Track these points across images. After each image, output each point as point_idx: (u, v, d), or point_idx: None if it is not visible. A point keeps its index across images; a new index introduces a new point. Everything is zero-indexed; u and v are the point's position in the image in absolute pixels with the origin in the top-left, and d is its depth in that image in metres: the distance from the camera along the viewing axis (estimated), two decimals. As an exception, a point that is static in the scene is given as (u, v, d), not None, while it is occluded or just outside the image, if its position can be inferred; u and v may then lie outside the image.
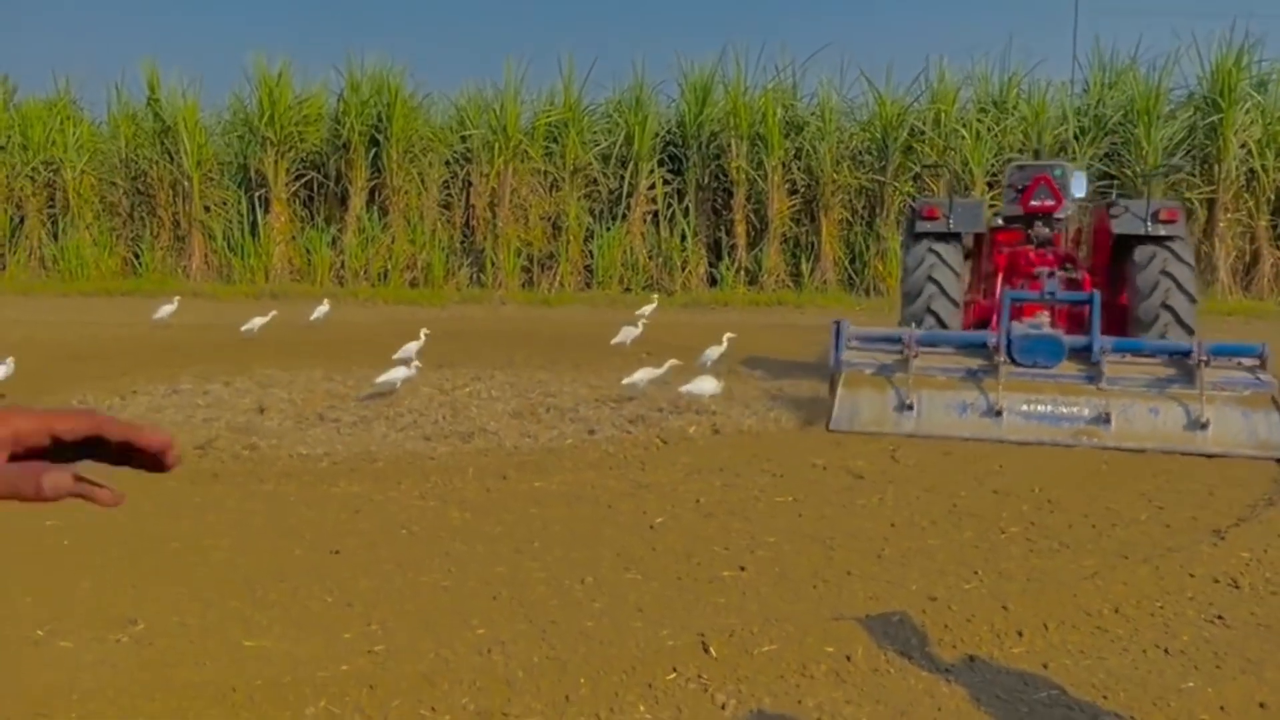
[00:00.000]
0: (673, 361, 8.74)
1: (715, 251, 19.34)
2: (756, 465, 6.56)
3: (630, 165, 19.42)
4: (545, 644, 3.84)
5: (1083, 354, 7.45)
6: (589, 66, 21.54)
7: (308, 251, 20.54)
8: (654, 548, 4.98)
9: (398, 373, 8.79)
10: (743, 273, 18.89)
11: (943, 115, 18.54)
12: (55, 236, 21.85)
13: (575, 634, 3.93)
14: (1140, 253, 8.43)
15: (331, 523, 5.37)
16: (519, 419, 8.01)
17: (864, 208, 19.11)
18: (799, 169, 19.07)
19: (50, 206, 22.00)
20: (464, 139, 20.79)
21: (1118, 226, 8.53)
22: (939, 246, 8.74)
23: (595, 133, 20.57)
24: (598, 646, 3.80)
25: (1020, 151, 18.08)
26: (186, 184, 20.93)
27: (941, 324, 8.48)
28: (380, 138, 20.06)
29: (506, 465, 6.52)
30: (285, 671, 3.52)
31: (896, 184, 18.36)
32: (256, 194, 20.78)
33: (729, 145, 19.04)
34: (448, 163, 20.99)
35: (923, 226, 8.84)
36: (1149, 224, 8.34)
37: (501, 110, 19.53)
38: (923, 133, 18.66)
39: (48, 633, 3.90)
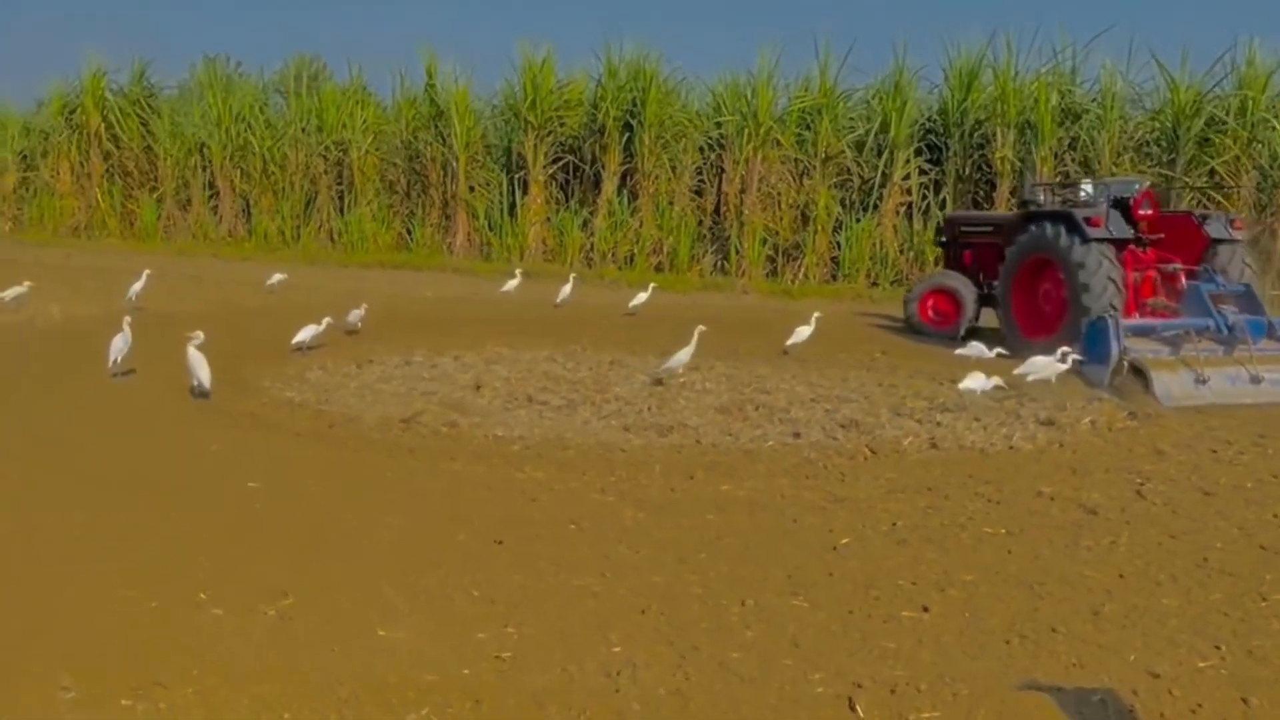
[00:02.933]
0: (997, 379, 8.19)
1: (973, 247, 18.03)
2: (971, 488, 5.87)
3: (885, 154, 18.49)
4: (680, 673, 3.50)
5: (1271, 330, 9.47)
6: (846, 50, 20.53)
7: (560, 233, 21.12)
8: (831, 573, 4.50)
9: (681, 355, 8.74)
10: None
11: (1250, 103, 16.30)
12: (341, 211, 23.70)
13: (715, 666, 3.56)
14: (1225, 251, 10.71)
15: (504, 510, 5.27)
16: (725, 415, 7.66)
17: (1149, 205, 17.16)
18: (1073, 160, 17.42)
19: (338, 184, 23.89)
20: (718, 125, 20.61)
21: (1211, 232, 10.79)
22: (1107, 250, 10.30)
23: (851, 119, 19.78)
24: (734, 684, 3.42)
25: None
26: (455, 165, 22.05)
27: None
28: (634, 123, 20.23)
29: (697, 464, 6.20)
30: (404, 669, 3.39)
31: (1188, 179, 16.36)
32: (516, 176, 21.57)
33: (994, 134, 17.68)
34: (701, 149, 20.91)
35: (1092, 233, 10.32)
36: (1229, 230, 10.83)
37: (753, 96, 19.13)
38: (1224, 123, 16.50)
39: (209, 597, 3.99)
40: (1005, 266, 11.41)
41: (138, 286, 13.06)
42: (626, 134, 20.41)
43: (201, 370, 7.75)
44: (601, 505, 5.42)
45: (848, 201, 19.18)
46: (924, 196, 18.30)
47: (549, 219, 21.37)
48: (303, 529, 4.86)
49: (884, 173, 18.46)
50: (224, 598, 3.96)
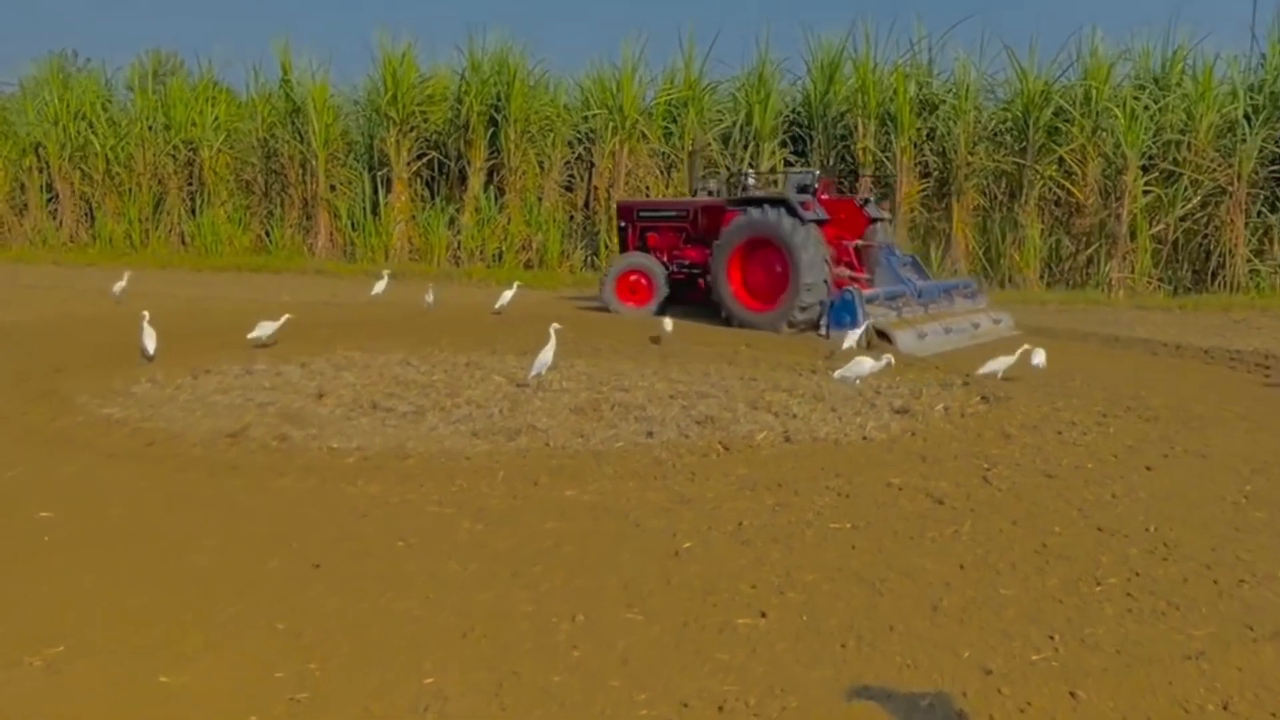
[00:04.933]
0: (889, 358, 8.45)
1: (837, 237, 18.27)
2: (822, 481, 5.77)
3: (751, 146, 18.57)
4: (495, 702, 3.24)
5: None
6: (710, 43, 20.55)
7: (426, 231, 20.57)
8: (669, 580, 4.30)
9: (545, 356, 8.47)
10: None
11: (1094, 92, 16.95)
12: (193, 213, 22.59)
13: (535, 692, 3.31)
14: (880, 228, 13.18)
15: (328, 529, 4.91)
16: (579, 415, 7.42)
17: (1003, 193, 17.71)
18: (931, 150, 17.83)
19: (189, 185, 22.77)
20: (586, 119, 20.39)
21: (871, 212, 13.14)
22: (816, 230, 12.11)
23: (718, 111, 19.82)
24: (554, 711, 3.17)
25: (1181, 132, 16.37)
26: (314, 163, 21.27)
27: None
28: (499, 118, 19.85)
29: (542, 469, 5.94)
30: (181, 720, 3.04)
31: (1038, 168, 16.91)
32: (379, 173, 20.93)
33: (856, 125, 17.94)
34: (570, 143, 20.66)
35: (807, 215, 12.00)
36: (881, 210, 13.56)
37: (618, 89, 18.97)
38: (1070, 112, 17.11)
39: (-30, 647, 3.54)
40: (720, 245, 12.63)
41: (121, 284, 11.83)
42: (491, 129, 20.03)
43: None
44: (437, 518, 5.11)
45: (716, 193, 19.19)
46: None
47: (414, 217, 20.81)
48: (94, 563, 4.41)
49: (751, 164, 18.52)
50: (-11, 648, 3.51)
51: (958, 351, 10.76)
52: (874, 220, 12.96)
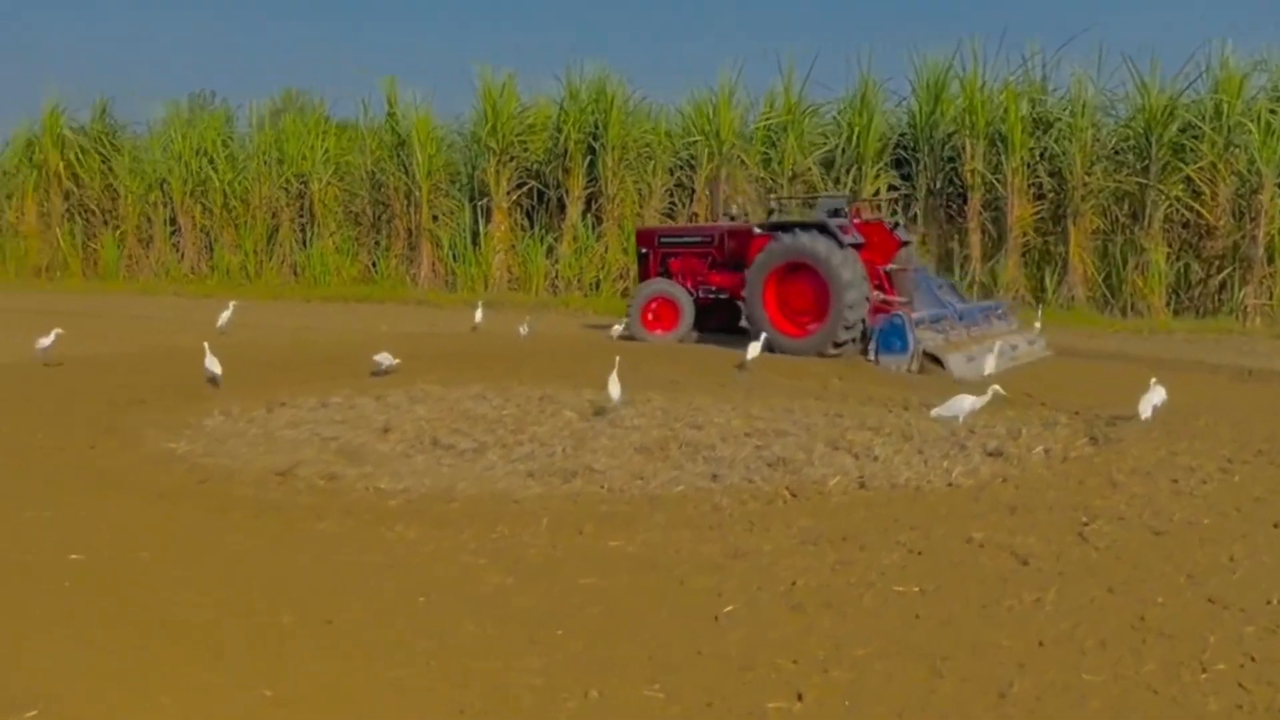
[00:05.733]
0: (994, 391, 7.65)
1: (946, 263, 17.48)
2: (893, 535, 5.23)
3: (853, 170, 17.96)
4: (473, 798, 2.87)
5: None
6: (809, 66, 19.92)
7: (525, 260, 20.59)
8: (702, 650, 3.86)
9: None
10: (976, 287, 16.93)
11: (1226, 106, 15.77)
12: (304, 244, 23.18)
13: (520, 786, 2.92)
14: (905, 251, 12.95)
15: (351, 580, 4.63)
16: (643, 454, 7.04)
17: (1125, 215, 16.63)
18: (1045, 171, 16.89)
19: (300, 217, 23.40)
20: (689, 145, 20.13)
21: (901, 236, 13.00)
22: (855, 254, 11.98)
23: (822, 134, 19.28)
24: (534, 814, 2.78)
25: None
26: (418, 194, 21.57)
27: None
28: (597, 145, 19.74)
29: (589, 516, 5.57)
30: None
31: (1162, 188, 15.81)
32: (480, 203, 21.07)
33: (964, 146, 17.15)
34: (671, 170, 20.43)
35: (846, 239, 11.89)
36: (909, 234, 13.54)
37: (714, 114, 18.64)
38: (1199, 128, 15.96)
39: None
40: (754, 270, 12.44)
41: (46, 341, 11.97)
42: (589, 157, 19.92)
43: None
44: (467, 570, 4.79)
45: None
46: (894, 211, 17.73)
47: (513, 246, 20.86)
48: (104, 613, 4.23)
49: (853, 189, 17.91)
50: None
51: (1004, 374, 10.07)
52: (904, 243, 12.80)
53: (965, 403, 7.70)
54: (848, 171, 18.09)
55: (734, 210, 14.82)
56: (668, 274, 14.02)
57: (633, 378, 10.25)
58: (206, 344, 10.09)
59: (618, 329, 13.36)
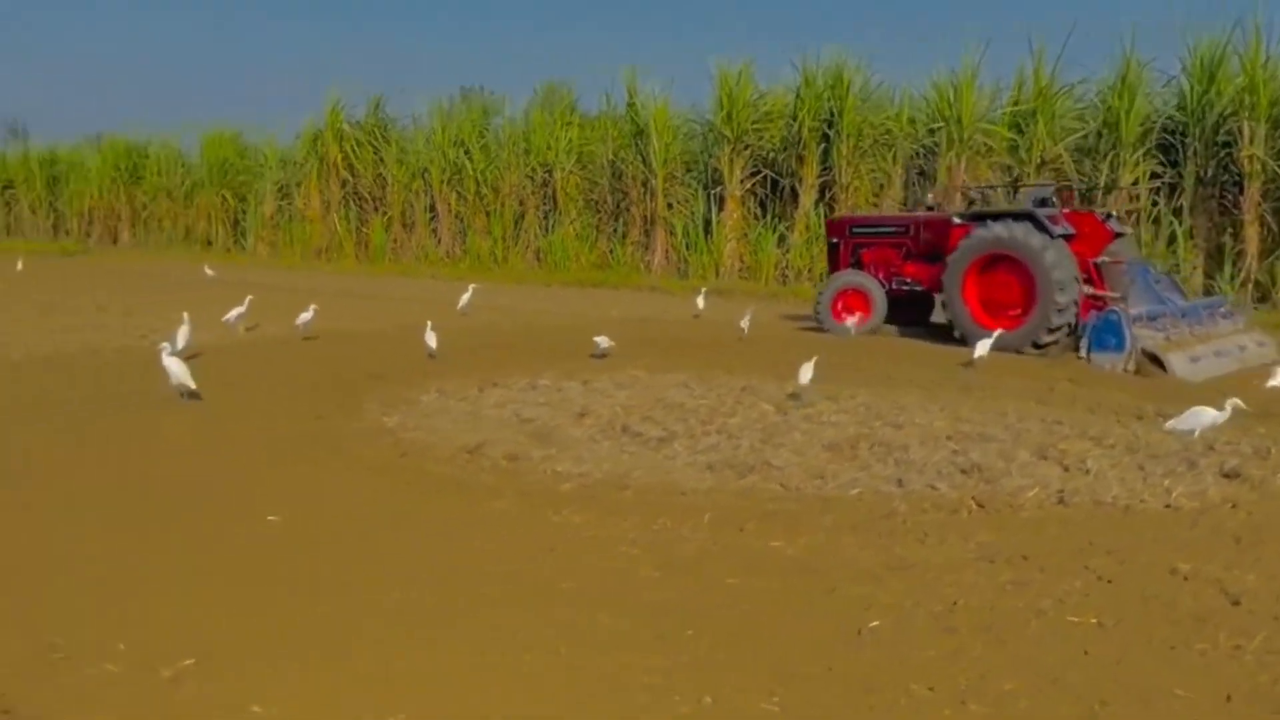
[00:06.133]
0: (1234, 404, 6.82)
1: (1216, 260, 15.76)
2: (1084, 559, 4.75)
3: (1111, 156, 16.53)
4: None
5: None
6: (1062, 44, 18.33)
7: (756, 249, 20.47)
8: (832, 667, 3.66)
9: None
10: (1250, 287, 15.15)
11: None
12: (546, 231, 24.16)
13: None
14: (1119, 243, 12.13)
15: (505, 563, 4.75)
16: (831, 452, 6.80)
17: None
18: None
19: (545, 204, 24.38)
20: (931, 132, 19.30)
21: (1114, 227, 12.14)
22: (1065, 245, 11.45)
23: (1074, 117, 17.89)
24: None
25: None
26: (654, 182, 21.92)
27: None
28: (831, 133, 19.28)
29: (754, 514, 5.43)
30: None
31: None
32: (713, 192, 21.13)
33: (1241, 129, 15.36)
34: (913, 157, 19.67)
35: (1056, 230, 11.43)
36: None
37: (955, 99, 17.69)
38: None
39: (126, 648, 3.72)
40: (954, 262, 12.01)
41: (238, 312, 13.16)
42: (824, 145, 19.49)
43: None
44: (620, 560, 4.80)
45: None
46: (1154, 202, 16.19)
47: (745, 235, 20.78)
48: (275, 576, 4.55)
49: (1109, 178, 16.50)
50: (132, 653, 3.67)
51: (1229, 377, 9.80)
52: (1117, 235, 12.09)
53: (1205, 416, 6.89)
54: (1105, 158, 16.65)
55: (931, 199, 14.42)
56: (859, 265, 13.74)
57: (846, 373, 9.98)
58: (429, 322, 10.91)
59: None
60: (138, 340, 11.96)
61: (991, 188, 15.06)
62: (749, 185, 20.82)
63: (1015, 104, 17.83)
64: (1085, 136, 17.03)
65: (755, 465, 6.46)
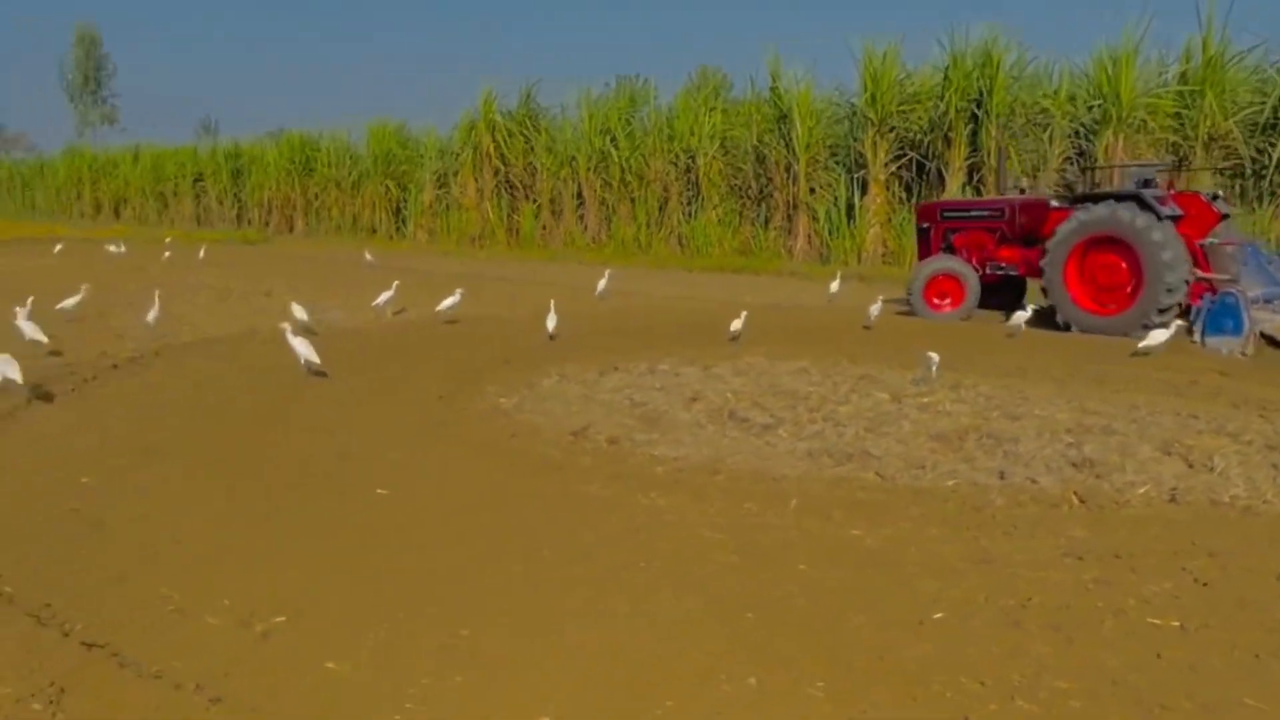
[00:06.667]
0: None
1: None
2: (1181, 560, 4.54)
3: (1289, 131, 15.36)
4: (586, 760, 2.99)
5: None
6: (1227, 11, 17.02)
7: (900, 234, 20.00)
8: (884, 657, 3.66)
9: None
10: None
11: None
12: (689, 217, 24.28)
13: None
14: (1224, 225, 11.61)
15: (583, 544, 4.89)
16: (937, 443, 6.67)
17: None
18: None
19: (688, 190, 24.50)
20: (1090, 109, 18.39)
21: (1220, 208, 11.62)
22: (1172, 227, 11.22)
23: (1253, 90, 16.69)
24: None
25: None
26: (796, 167, 21.70)
27: None
28: (980, 114, 18.61)
29: (842, 503, 5.41)
30: (320, 711, 3.21)
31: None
32: (856, 176, 20.75)
33: None
34: (1071, 136, 18.80)
35: (1165, 211, 11.12)
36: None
37: (1114, 74, 16.77)
38: None
39: (230, 604, 4.08)
40: (1055, 246, 11.80)
41: (387, 296, 13.75)
42: (972, 126, 18.83)
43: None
44: (699, 544, 4.88)
45: (1242, 189, 16.24)
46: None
47: (889, 219, 20.34)
48: (372, 546, 4.85)
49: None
50: (233, 608, 4.02)
51: None
52: (1223, 216, 11.69)
53: None
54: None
55: (1024, 183, 14.27)
56: (950, 249, 13.61)
57: (978, 363, 9.72)
58: (552, 302, 11.51)
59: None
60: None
61: (1091, 168, 14.93)
62: (893, 169, 20.34)
63: (1182, 78, 16.76)
64: (1257, 111, 15.85)
65: (854, 454, 6.41)
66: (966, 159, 19.04)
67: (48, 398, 8.07)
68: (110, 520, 5.16)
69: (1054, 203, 12.41)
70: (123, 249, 24.52)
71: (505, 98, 29.25)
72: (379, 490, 5.71)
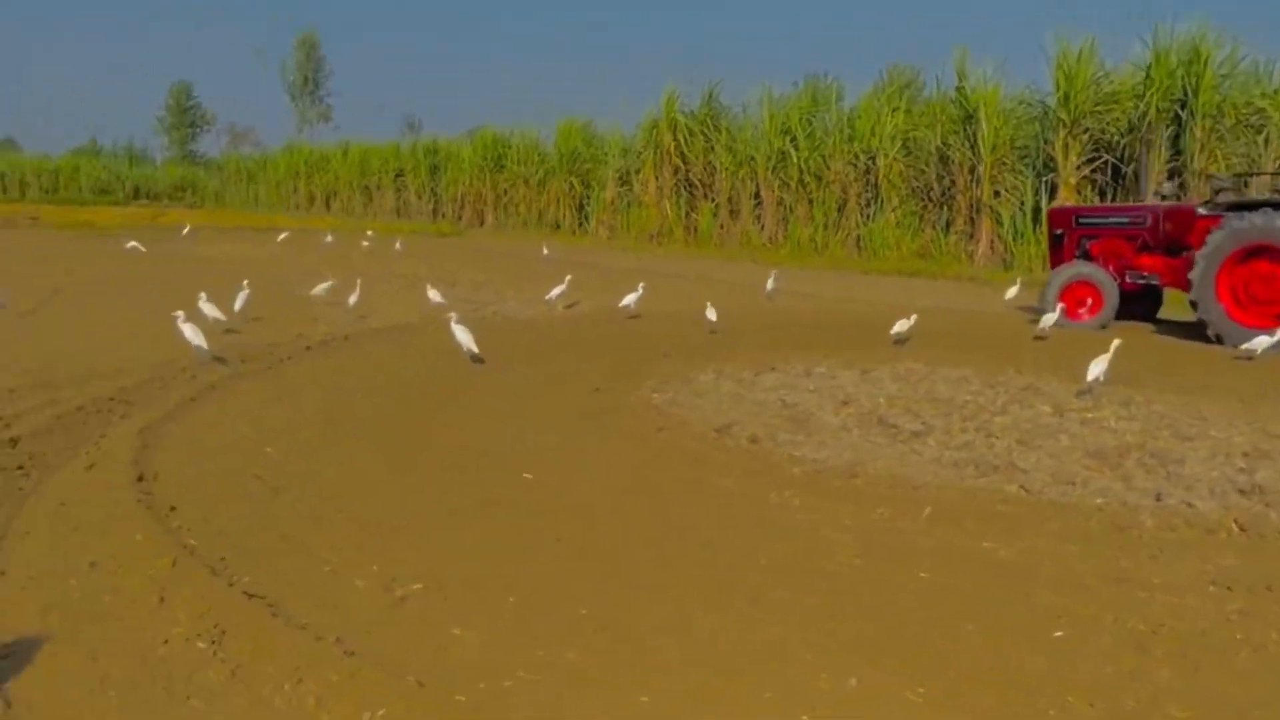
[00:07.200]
0: None
1: None
2: (1342, 596, 4.26)
3: None
4: (677, 738, 3.13)
5: None
6: None
7: (1090, 240, 19.03)
8: (993, 668, 3.61)
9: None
10: None
11: None
12: (867, 218, 23.90)
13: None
14: None
15: (712, 536, 5.04)
16: (1094, 459, 6.43)
17: None
18: None
19: (867, 192, 24.11)
20: (1314, 108, 16.99)
21: None
22: None
23: None
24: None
25: None
26: (981, 169, 21.01)
27: None
28: (1183, 114, 17.47)
29: (977, 514, 5.32)
30: (450, 667, 3.50)
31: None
32: (1045, 179, 19.90)
33: None
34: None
35: None
36: None
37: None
38: None
39: (378, 569, 4.45)
40: (1206, 256, 11.39)
41: (560, 290, 14.45)
42: (1174, 127, 17.71)
43: None
44: (824, 544, 4.93)
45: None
46: None
47: (1078, 224, 19.36)
48: (510, 524, 5.14)
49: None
50: (380, 574, 4.38)
51: None
52: None
53: None
54: None
55: (1166, 189, 13.68)
56: (1086, 257, 13.30)
57: (1159, 378, 9.27)
58: (709, 302, 11.89)
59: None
60: (471, 312, 13.46)
61: (1245, 175, 14.27)
62: (1085, 172, 19.38)
63: None
64: None
65: (1001, 465, 6.26)
66: (1167, 162, 17.92)
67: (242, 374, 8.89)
68: (287, 487, 5.69)
69: (1201, 210, 12.02)
70: (331, 240, 26.34)
71: (688, 97, 29.64)
72: (525, 474, 6.03)
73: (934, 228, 22.73)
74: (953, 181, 22.01)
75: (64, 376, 8.33)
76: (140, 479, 5.54)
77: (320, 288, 13.90)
